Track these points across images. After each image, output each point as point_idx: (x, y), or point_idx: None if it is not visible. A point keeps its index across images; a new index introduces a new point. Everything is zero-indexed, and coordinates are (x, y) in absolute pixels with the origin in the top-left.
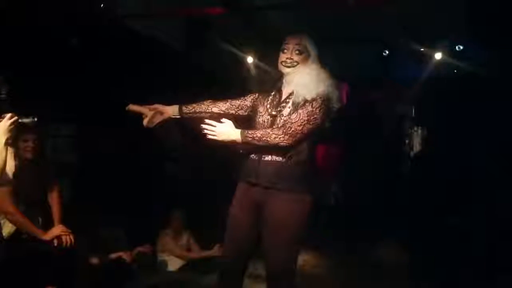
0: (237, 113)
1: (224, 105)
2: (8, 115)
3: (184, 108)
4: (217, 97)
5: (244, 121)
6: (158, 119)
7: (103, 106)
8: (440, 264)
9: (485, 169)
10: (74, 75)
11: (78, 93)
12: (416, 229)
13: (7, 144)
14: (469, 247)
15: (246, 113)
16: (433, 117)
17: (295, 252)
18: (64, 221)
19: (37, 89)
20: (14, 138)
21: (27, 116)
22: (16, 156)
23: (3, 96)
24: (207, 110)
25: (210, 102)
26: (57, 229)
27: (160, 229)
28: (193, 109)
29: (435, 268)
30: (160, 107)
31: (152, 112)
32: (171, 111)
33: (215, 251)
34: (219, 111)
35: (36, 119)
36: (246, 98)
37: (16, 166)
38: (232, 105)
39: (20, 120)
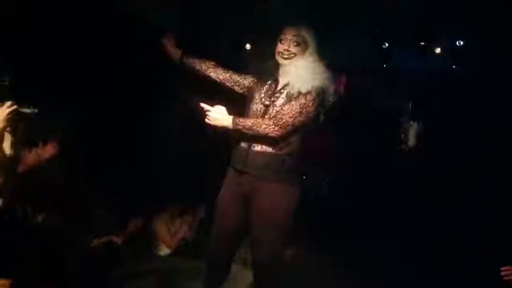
0: (232, 87)
1: (224, 74)
2: (8, 103)
3: (185, 57)
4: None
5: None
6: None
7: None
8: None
9: (481, 166)
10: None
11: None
12: (409, 224)
13: (4, 131)
14: (459, 246)
15: (241, 91)
16: (430, 111)
17: (281, 242)
18: (56, 202)
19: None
20: (14, 127)
21: (28, 106)
22: (15, 145)
23: (6, 82)
24: (205, 72)
25: (212, 64)
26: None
27: (154, 214)
28: (193, 63)
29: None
30: (168, 45)
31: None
32: (174, 53)
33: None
34: (215, 78)
35: (36, 110)
36: (246, 77)
37: (13, 155)
38: (231, 78)
39: (20, 110)
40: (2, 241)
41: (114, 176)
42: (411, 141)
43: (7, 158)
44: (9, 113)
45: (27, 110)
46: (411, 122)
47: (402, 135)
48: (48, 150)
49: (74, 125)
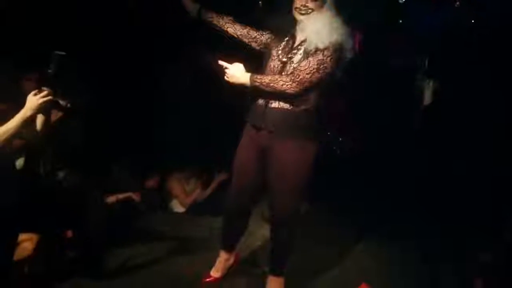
0: (249, 44)
1: (241, 30)
2: (45, 92)
3: (203, 12)
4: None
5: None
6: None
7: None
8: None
9: (501, 124)
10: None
11: None
12: (426, 182)
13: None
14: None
15: (258, 48)
16: (447, 69)
17: (298, 197)
18: (75, 162)
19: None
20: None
21: (63, 97)
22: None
23: (50, 71)
24: (222, 27)
25: (229, 20)
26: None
27: (170, 172)
28: (210, 18)
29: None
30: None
31: None
32: (191, 7)
33: (214, 184)
34: (232, 34)
35: (70, 103)
36: (263, 33)
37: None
38: (248, 34)
39: (55, 99)
40: (26, 198)
41: (132, 134)
42: (427, 100)
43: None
44: (44, 102)
45: (62, 102)
46: (427, 80)
47: (418, 94)
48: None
49: (91, 84)
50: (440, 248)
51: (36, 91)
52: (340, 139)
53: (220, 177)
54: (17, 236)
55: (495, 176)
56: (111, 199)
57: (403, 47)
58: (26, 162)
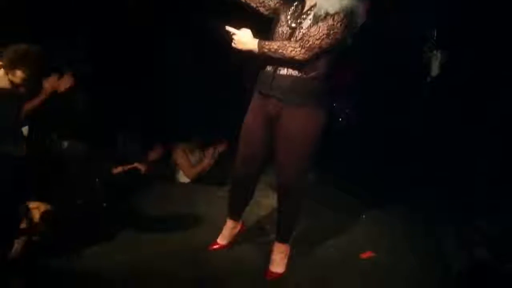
0: (257, 9)
1: None
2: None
3: None
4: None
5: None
6: None
7: None
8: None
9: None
10: None
11: None
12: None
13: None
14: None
15: (267, 13)
16: (455, 39)
17: (306, 166)
18: (81, 133)
19: None
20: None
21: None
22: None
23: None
24: None
25: None
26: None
27: (176, 143)
28: None
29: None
30: None
31: None
32: None
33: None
34: None
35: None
36: None
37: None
38: None
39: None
40: (31, 167)
41: (137, 106)
42: (434, 71)
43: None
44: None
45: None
46: (435, 51)
47: (425, 65)
48: (65, 82)
49: (94, 54)
50: (444, 215)
51: None
52: (347, 110)
53: (221, 147)
54: (23, 204)
55: (503, 146)
56: (117, 170)
57: (410, 16)
58: (30, 131)
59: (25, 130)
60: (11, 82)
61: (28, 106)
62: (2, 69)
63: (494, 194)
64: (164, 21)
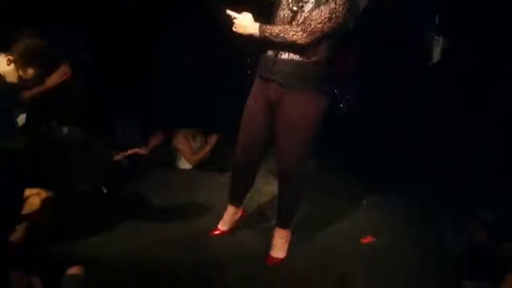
0: None
1: None
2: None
3: None
4: None
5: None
6: None
7: None
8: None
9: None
10: None
11: None
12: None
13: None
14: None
15: None
16: (457, 25)
17: (307, 152)
18: (80, 120)
19: None
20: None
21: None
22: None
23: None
24: None
25: None
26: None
27: (177, 129)
28: None
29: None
30: None
31: None
32: None
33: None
34: None
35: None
36: None
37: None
38: None
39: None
40: (30, 154)
41: (137, 93)
42: (436, 57)
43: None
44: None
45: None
46: (436, 37)
47: (427, 51)
48: (61, 74)
49: (92, 40)
50: (444, 202)
51: None
52: (348, 96)
53: (215, 137)
54: (24, 190)
55: (505, 134)
56: (118, 156)
57: (412, 3)
58: (27, 118)
59: (22, 118)
60: (20, 77)
61: (28, 94)
62: (12, 64)
63: (494, 182)
64: (164, 8)
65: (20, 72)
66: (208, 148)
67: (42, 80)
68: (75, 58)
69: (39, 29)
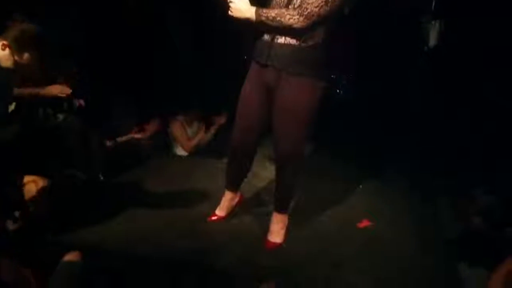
0: None
1: None
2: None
3: None
4: None
5: None
6: None
7: None
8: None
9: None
10: None
11: None
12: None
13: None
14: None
15: None
16: (453, 9)
17: (304, 136)
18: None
19: None
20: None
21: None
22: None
23: None
24: None
25: None
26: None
27: (173, 115)
28: None
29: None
30: None
31: None
32: None
33: (215, 127)
34: None
35: None
36: None
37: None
38: None
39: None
40: (26, 141)
41: (133, 78)
42: (432, 42)
43: None
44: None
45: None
46: (433, 22)
47: (423, 35)
48: (61, 91)
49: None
50: (441, 186)
51: None
52: (344, 81)
53: (220, 120)
54: (20, 178)
55: (499, 118)
56: (114, 143)
57: None
58: (17, 105)
59: (12, 105)
60: (16, 62)
61: (25, 91)
62: (7, 48)
63: (490, 165)
64: None
65: (16, 57)
66: (202, 134)
67: (41, 66)
68: (69, 41)
69: (32, 13)
